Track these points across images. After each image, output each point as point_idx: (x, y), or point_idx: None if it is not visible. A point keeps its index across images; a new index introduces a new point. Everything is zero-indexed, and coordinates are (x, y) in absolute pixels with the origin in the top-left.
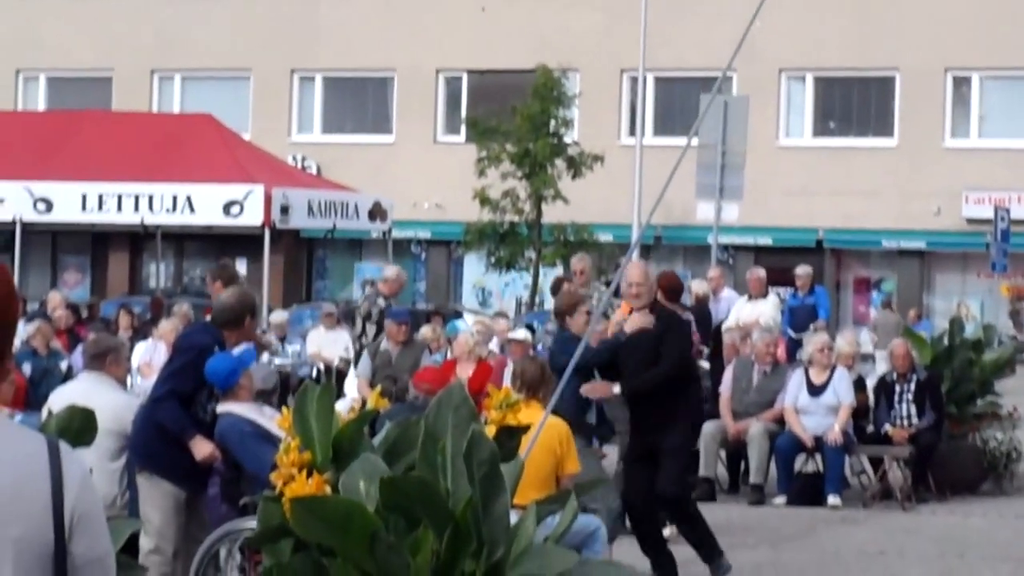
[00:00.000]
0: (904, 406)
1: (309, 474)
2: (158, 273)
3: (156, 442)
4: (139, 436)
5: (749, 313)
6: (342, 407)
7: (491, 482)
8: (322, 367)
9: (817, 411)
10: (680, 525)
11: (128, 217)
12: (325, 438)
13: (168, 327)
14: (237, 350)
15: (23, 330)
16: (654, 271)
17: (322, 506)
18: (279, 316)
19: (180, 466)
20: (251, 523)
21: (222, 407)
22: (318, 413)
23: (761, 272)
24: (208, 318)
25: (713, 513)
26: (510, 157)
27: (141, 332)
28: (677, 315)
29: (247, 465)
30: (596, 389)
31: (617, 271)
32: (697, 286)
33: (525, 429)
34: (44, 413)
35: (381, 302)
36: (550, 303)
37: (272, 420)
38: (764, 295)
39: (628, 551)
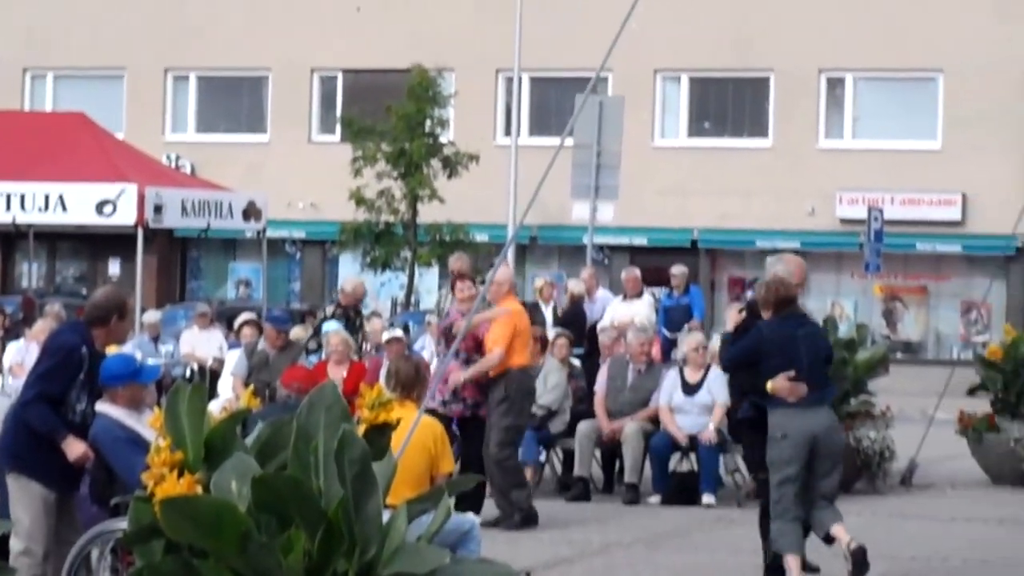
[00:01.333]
0: None
1: (180, 474)
2: (30, 273)
3: (25, 443)
4: (8, 437)
5: (624, 313)
6: (215, 407)
7: (363, 481)
8: (196, 367)
9: (692, 410)
10: None
11: None
12: (196, 438)
13: (41, 327)
14: (142, 361)
15: None
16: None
17: (193, 506)
18: (152, 316)
19: (50, 467)
20: (124, 524)
21: (100, 406)
22: (189, 413)
23: (636, 272)
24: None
25: (587, 512)
26: (385, 157)
27: (13, 332)
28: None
29: (118, 470)
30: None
31: (491, 271)
32: (573, 286)
33: (395, 426)
34: None
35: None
36: (426, 303)
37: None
38: (639, 295)
39: (505, 550)
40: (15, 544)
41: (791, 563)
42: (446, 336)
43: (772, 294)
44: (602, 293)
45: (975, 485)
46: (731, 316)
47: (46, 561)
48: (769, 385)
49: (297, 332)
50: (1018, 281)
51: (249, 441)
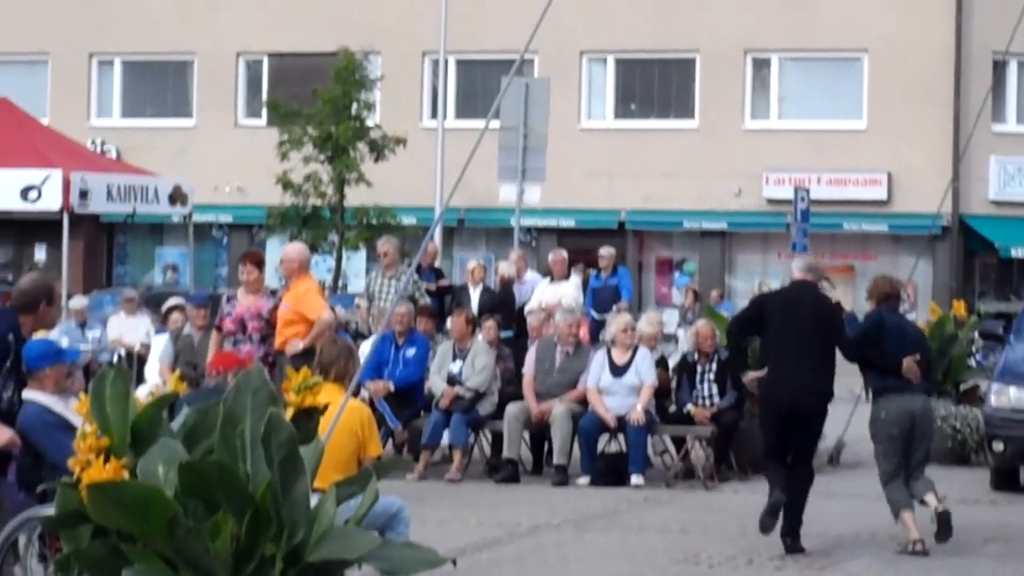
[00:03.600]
0: (706, 386)
1: (107, 459)
2: None
3: None
4: None
5: (551, 294)
6: (142, 393)
7: (290, 465)
8: (123, 353)
9: (620, 391)
10: None
11: None
12: (122, 423)
13: None
14: (62, 343)
15: None
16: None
17: (119, 491)
18: (79, 302)
19: None
20: (52, 510)
21: (27, 394)
22: (114, 398)
23: (563, 254)
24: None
25: (517, 494)
26: (312, 140)
27: None
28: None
29: (50, 454)
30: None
31: (418, 253)
32: (503, 268)
33: (323, 410)
34: None
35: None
36: (355, 286)
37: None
38: (566, 277)
39: (433, 532)
40: None
41: (907, 519)
42: (241, 322)
43: (879, 288)
44: (531, 275)
45: None
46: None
47: None
48: (905, 364)
49: None
50: (944, 260)
51: (175, 426)
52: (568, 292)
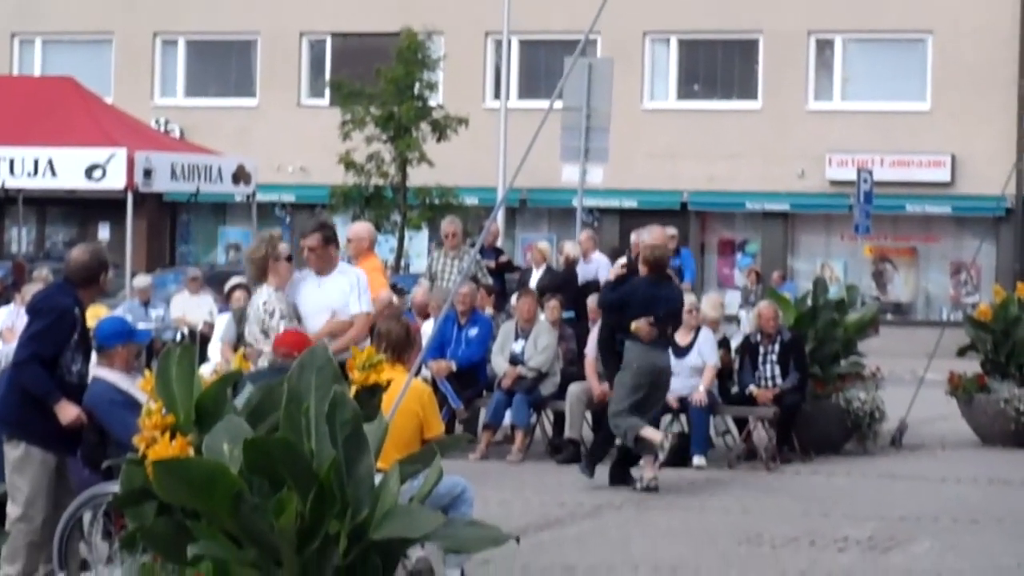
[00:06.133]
0: (768, 367)
1: (172, 436)
2: (20, 238)
3: (23, 408)
4: (5, 403)
5: None
6: (205, 371)
7: (354, 443)
8: (186, 331)
9: (682, 372)
10: None
11: None
12: (187, 400)
13: (31, 291)
14: (140, 326)
15: None
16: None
17: (185, 468)
18: (142, 280)
19: (50, 429)
20: (116, 487)
21: (95, 371)
22: (179, 375)
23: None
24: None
25: (579, 475)
26: (375, 120)
27: (3, 297)
28: None
29: (116, 432)
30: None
31: (482, 232)
32: (568, 248)
33: (385, 387)
34: None
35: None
36: (417, 266)
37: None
38: None
39: (496, 511)
40: (12, 510)
41: (647, 432)
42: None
43: (650, 256)
44: (597, 256)
45: (965, 445)
46: (613, 270)
47: (43, 527)
48: (632, 325)
49: None
50: (1007, 242)
51: (239, 403)
52: None
